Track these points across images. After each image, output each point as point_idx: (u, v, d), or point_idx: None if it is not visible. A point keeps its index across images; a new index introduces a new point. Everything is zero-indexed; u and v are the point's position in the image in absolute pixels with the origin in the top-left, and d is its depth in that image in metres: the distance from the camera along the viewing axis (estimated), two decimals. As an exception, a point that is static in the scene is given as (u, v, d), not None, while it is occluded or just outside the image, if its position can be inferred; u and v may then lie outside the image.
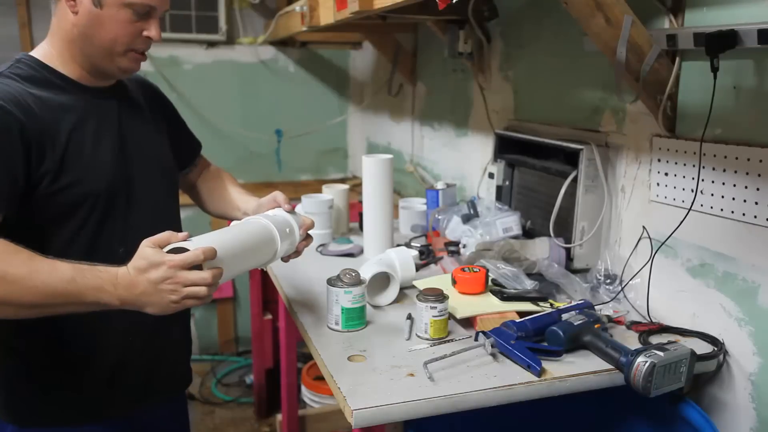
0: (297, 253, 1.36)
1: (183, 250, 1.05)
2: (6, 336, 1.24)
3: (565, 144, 1.71)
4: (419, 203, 2.28)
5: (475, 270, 1.53)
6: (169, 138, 1.46)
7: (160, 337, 1.36)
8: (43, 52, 1.24)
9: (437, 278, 1.63)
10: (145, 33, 1.22)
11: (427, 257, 1.88)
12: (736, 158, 1.30)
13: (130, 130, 1.32)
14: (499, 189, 2.05)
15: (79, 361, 1.26)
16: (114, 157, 1.26)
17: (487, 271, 1.55)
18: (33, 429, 1.26)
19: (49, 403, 1.25)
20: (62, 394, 1.26)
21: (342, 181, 3.53)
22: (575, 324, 1.31)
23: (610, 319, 1.43)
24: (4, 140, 1.10)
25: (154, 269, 1.02)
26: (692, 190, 1.39)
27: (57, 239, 1.19)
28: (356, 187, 2.94)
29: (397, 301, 1.56)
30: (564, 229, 1.74)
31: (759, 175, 1.26)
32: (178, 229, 1.40)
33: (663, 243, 1.48)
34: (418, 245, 1.94)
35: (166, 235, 1.07)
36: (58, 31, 1.23)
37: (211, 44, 3.42)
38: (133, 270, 1.04)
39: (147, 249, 1.04)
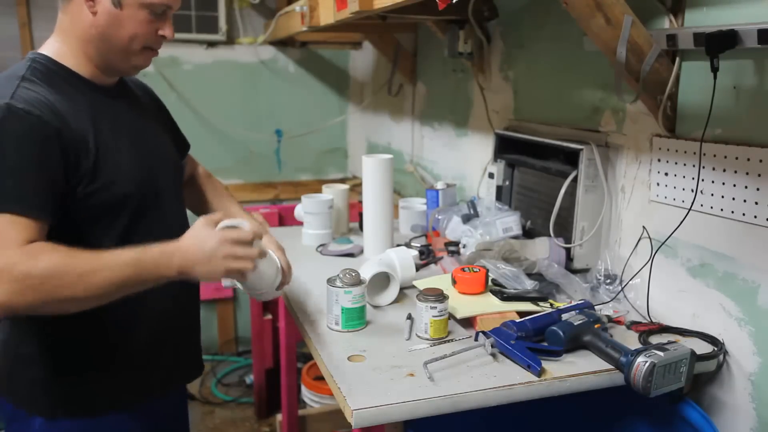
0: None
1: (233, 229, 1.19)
2: (36, 331, 1.26)
3: (565, 144, 1.71)
4: (419, 203, 2.28)
5: (475, 270, 1.53)
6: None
7: (180, 326, 1.42)
8: (55, 50, 1.25)
9: (437, 278, 1.63)
10: (160, 32, 1.27)
11: (427, 257, 1.88)
12: (736, 158, 1.30)
13: (140, 128, 1.35)
14: (499, 189, 2.05)
15: (105, 353, 1.29)
16: (135, 157, 1.29)
17: (487, 271, 1.55)
18: (61, 420, 1.27)
19: (77, 395, 1.28)
20: (89, 386, 1.28)
21: (342, 181, 3.53)
22: (575, 324, 1.31)
23: (610, 319, 1.43)
24: (48, 149, 1.13)
25: (210, 240, 1.14)
26: (692, 190, 1.39)
27: (91, 240, 1.21)
28: (356, 187, 2.94)
29: (397, 301, 1.56)
30: (564, 229, 1.74)
31: (759, 175, 1.26)
32: (186, 221, 1.46)
33: (663, 243, 1.48)
34: (418, 245, 1.94)
35: (219, 215, 1.22)
36: (72, 30, 1.24)
37: (211, 44, 3.42)
38: (189, 240, 1.16)
39: (203, 226, 1.17)
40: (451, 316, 1.42)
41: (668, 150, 1.47)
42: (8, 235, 1.06)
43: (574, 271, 1.68)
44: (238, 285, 1.30)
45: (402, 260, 1.65)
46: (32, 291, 1.04)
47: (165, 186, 1.36)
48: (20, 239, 1.06)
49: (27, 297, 1.04)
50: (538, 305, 1.46)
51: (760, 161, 1.25)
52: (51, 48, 1.26)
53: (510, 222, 1.85)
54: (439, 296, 1.35)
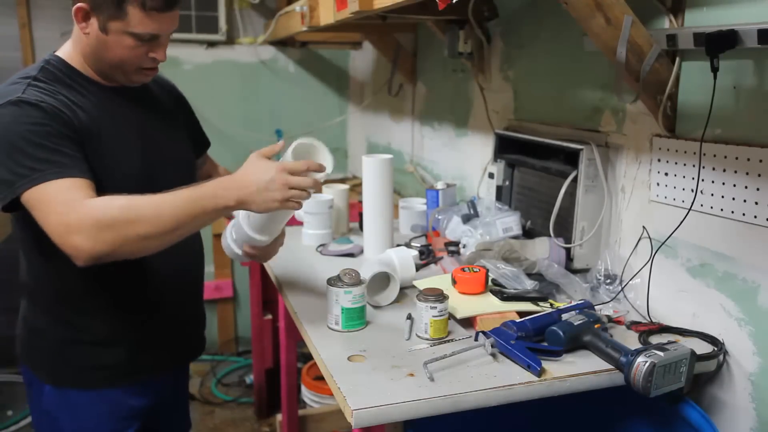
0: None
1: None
2: (49, 306, 1.36)
3: (565, 144, 1.71)
4: (419, 203, 2.28)
5: (475, 270, 1.53)
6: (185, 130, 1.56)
7: (184, 308, 1.51)
8: (67, 53, 1.34)
9: (437, 278, 1.63)
10: (151, 54, 1.30)
11: (427, 257, 1.88)
12: (736, 158, 1.30)
13: (150, 125, 1.41)
14: (499, 189, 2.05)
15: (111, 330, 1.38)
16: (137, 152, 1.35)
17: (487, 271, 1.55)
18: (67, 390, 1.38)
19: (83, 368, 1.37)
20: (94, 359, 1.37)
21: (342, 181, 3.53)
22: (575, 324, 1.31)
23: (610, 319, 1.43)
24: (67, 131, 1.22)
25: (266, 172, 1.19)
26: (692, 190, 1.39)
27: None
28: (356, 187, 2.94)
29: (397, 301, 1.56)
30: (564, 229, 1.74)
31: (759, 175, 1.26)
32: None
33: (663, 243, 1.48)
34: (418, 245, 1.94)
35: (269, 147, 1.27)
36: (77, 42, 1.32)
37: (211, 44, 3.42)
38: (245, 169, 1.22)
39: (259, 158, 1.22)
40: (451, 316, 1.42)
41: (668, 150, 1.47)
42: (75, 194, 1.15)
43: (574, 271, 1.68)
44: (240, 218, 1.38)
45: (402, 260, 1.65)
46: (110, 232, 1.12)
47: (166, 180, 1.37)
48: (86, 197, 1.16)
49: (106, 239, 1.12)
50: (538, 305, 1.46)
51: (760, 161, 1.25)
52: (64, 51, 1.34)
53: (510, 222, 1.85)
54: (439, 296, 1.35)
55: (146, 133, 1.38)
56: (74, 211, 1.13)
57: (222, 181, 1.22)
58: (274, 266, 1.82)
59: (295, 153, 1.28)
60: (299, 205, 1.23)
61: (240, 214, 1.42)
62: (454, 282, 1.54)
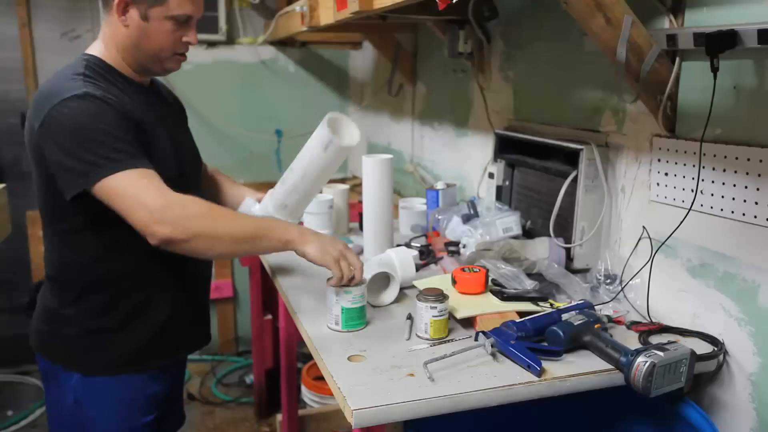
0: None
1: None
2: (75, 296, 1.41)
3: (565, 144, 1.71)
4: (419, 203, 2.28)
5: (475, 270, 1.53)
6: None
7: (197, 298, 1.62)
8: (101, 51, 1.41)
9: (437, 278, 1.63)
10: (184, 39, 1.41)
11: (427, 257, 1.88)
12: (736, 158, 1.30)
13: (170, 123, 1.51)
14: (499, 189, 2.05)
15: (132, 320, 1.44)
16: (173, 149, 1.44)
17: (487, 271, 1.55)
18: (93, 377, 1.43)
19: (108, 355, 1.43)
20: (116, 349, 1.43)
21: (342, 181, 3.53)
22: (575, 324, 1.31)
23: (610, 319, 1.43)
24: (131, 125, 1.31)
25: (333, 239, 1.42)
26: (692, 190, 1.39)
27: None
28: (356, 187, 2.94)
29: (397, 301, 1.56)
30: (564, 229, 1.74)
31: (759, 175, 1.26)
32: None
33: (663, 243, 1.48)
34: (418, 245, 1.94)
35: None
36: (112, 39, 1.39)
37: (211, 44, 3.42)
38: (318, 233, 1.42)
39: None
40: (451, 316, 1.42)
41: (668, 150, 1.47)
42: (155, 182, 1.26)
43: (574, 271, 1.68)
44: None
45: (402, 260, 1.65)
46: (192, 222, 1.25)
47: (190, 172, 1.52)
48: (162, 185, 1.27)
49: (187, 227, 1.25)
50: (538, 305, 1.46)
51: (760, 161, 1.25)
52: (98, 50, 1.41)
53: (510, 222, 1.85)
54: (439, 296, 1.35)
55: (174, 130, 1.50)
56: (160, 197, 1.24)
57: (293, 223, 1.44)
58: (273, 266, 1.83)
59: (329, 122, 1.41)
60: (345, 273, 1.37)
61: (274, 195, 1.56)
62: (454, 282, 1.54)
